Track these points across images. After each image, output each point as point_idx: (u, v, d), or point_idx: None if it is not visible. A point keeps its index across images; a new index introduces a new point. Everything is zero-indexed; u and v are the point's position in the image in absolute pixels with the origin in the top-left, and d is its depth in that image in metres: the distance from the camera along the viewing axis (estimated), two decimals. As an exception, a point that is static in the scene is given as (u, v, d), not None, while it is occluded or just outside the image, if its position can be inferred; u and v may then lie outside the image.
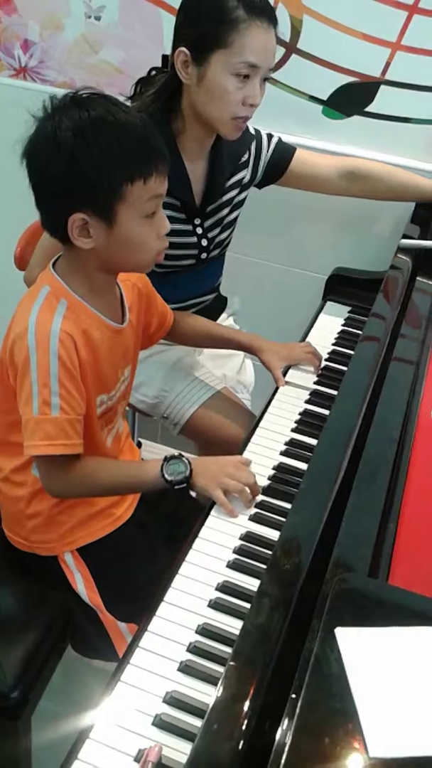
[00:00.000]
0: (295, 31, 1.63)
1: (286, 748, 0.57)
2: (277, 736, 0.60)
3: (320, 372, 1.41)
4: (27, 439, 1.03)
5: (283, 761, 0.57)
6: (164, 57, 1.45)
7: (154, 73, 1.42)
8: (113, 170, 0.94)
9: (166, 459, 1.07)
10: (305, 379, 1.38)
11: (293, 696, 0.62)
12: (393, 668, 0.63)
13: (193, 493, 1.11)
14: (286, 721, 0.61)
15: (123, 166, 0.95)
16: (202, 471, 1.06)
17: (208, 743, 0.65)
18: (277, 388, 1.34)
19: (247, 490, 1.05)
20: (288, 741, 0.58)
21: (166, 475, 1.05)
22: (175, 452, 1.09)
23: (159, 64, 1.45)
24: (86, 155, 0.93)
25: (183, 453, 1.08)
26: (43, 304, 1.03)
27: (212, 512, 1.04)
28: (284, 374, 1.37)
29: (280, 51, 1.62)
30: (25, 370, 1.02)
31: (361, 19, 1.58)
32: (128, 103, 1.40)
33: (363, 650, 0.63)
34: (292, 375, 1.38)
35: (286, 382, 1.35)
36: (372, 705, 0.59)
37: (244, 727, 0.66)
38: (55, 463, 1.06)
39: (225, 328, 1.44)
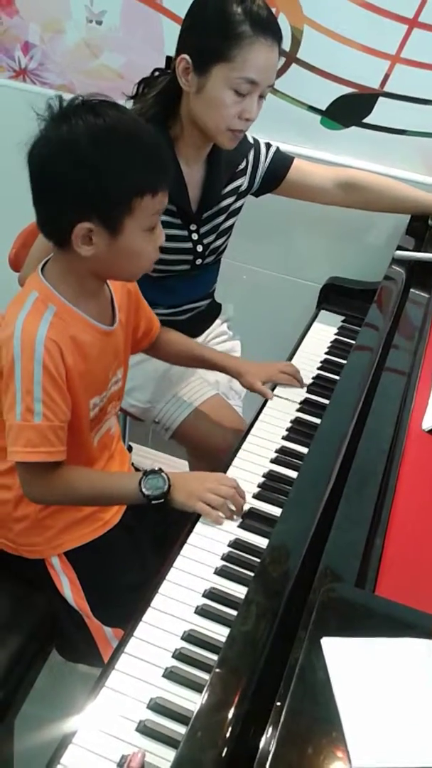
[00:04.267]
0: (296, 41, 1.64)
1: (270, 757, 0.57)
2: (261, 745, 0.60)
3: (312, 381, 1.41)
4: (10, 444, 1.03)
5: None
6: (168, 58, 1.45)
7: (157, 74, 1.42)
8: (127, 183, 0.95)
9: (145, 473, 1.06)
10: (296, 393, 1.37)
11: (278, 704, 0.62)
12: (378, 679, 0.63)
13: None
14: (270, 730, 0.61)
15: (136, 179, 0.95)
16: (182, 487, 1.06)
17: (192, 750, 0.65)
18: (266, 400, 1.34)
19: (229, 503, 1.05)
20: (272, 749, 0.58)
21: (143, 490, 1.05)
22: (155, 466, 1.08)
23: (159, 68, 1.45)
24: (103, 166, 0.93)
25: (162, 468, 1.07)
26: (30, 310, 1.02)
27: (201, 518, 1.04)
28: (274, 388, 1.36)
29: (281, 61, 1.62)
30: (9, 376, 1.01)
31: (361, 31, 1.59)
32: (130, 104, 1.41)
33: (348, 660, 0.64)
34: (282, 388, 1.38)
35: (276, 396, 1.34)
36: (356, 715, 0.59)
37: (228, 735, 0.66)
38: (35, 469, 1.05)
39: (208, 349, 1.43)
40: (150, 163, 0.96)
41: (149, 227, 1.00)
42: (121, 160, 0.93)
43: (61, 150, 0.94)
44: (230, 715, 0.68)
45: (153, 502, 1.05)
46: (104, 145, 0.93)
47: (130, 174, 0.94)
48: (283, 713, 0.60)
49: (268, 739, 0.60)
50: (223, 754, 0.64)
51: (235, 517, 1.05)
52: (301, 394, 1.35)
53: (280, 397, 1.35)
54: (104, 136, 0.93)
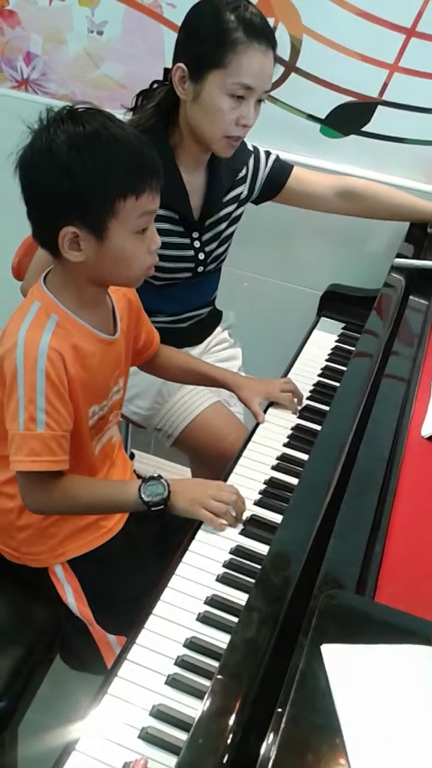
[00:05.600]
0: (295, 51, 1.66)
1: (270, 763, 0.58)
2: (262, 751, 0.61)
3: (312, 387, 1.42)
4: (12, 454, 1.03)
5: (266, 777, 0.57)
6: (166, 70, 1.47)
7: (155, 86, 1.43)
8: (106, 186, 0.95)
9: (145, 480, 1.06)
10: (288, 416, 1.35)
11: (278, 711, 0.62)
12: (378, 685, 0.64)
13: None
14: (270, 737, 0.62)
15: (115, 182, 0.95)
16: (183, 493, 1.06)
17: (194, 757, 0.65)
18: (268, 406, 1.35)
19: (231, 510, 1.06)
20: (272, 756, 0.58)
21: (143, 497, 1.05)
22: (156, 472, 1.08)
23: (160, 78, 1.47)
24: (80, 169, 0.94)
25: (162, 475, 1.07)
26: (33, 320, 1.03)
27: (202, 526, 1.05)
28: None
29: (280, 70, 1.64)
30: (12, 385, 1.02)
31: (360, 40, 1.61)
32: (129, 116, 1.42)
33: (348, 667, 0.64)
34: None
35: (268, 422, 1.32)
36: (356, 722, 0.59)
37: (229, 742, 0.67)
38: (36, 479, 1.05)
39: (207, 365, 1.43)
40: (131, 166, 0.96)
41: (138, 230, 1.00)
42: (100, 164, 0.94)
43: (41, 157, 0.95)
44: (232, 721, 0.68)
45: (153, 508, 1.05)
46: (82, 150, 0.94)
47: (110, 177, 0.95)
48: (284, 720, 0.60)
49: (268, 746, 0.61)
50: (225, 760, 0.65)
51: (236, 524, 1.06)
52: (293, 420, 1.33)
53: (273, 417, 1.33)
54: (83, 142, 0.94)
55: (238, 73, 1.26)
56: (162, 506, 1.05)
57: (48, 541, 1.19)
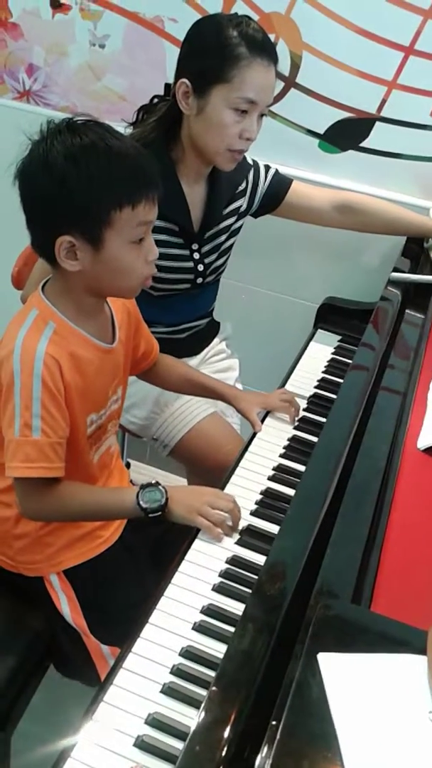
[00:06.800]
0: (295, 66, 1.68)
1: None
2: (258, 760, 0.61)
3: (309, 399, 1.43)
4: (8, 460, 1.04)
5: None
6: (167, 85, 1.49)
7: (156, 101, 1.45)
8: (101, 195, 0.96)
9: (143, 487, 1.07)
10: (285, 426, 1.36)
11: (273, 723, 0.63)
12: (373, 694, 0.64)
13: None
14: (266, 746, 0.62)
15: (111, 192, 0.96)
16: (180, 500, 1.06)
17: (190, 763, 0.66)
18: (265, 415, 1.36)
19: (228, 519, 1.06)
20: (268, 764, 0.59)
21: (141, 503, 1.05)
22: (152, 480, 1.08)
23: (161, 92, 1.48)
24: (75, 179, 0.95)
25: (159, 482, 1.07)
26: (30, 327, 1.04)
27: (199, 535, 1.05)
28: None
29: (280, 85, 1.66)
30: (9, 392, 1.02)
31: (359, 57, 1.63)
32: (130, 130, 1.44)
33: (344, 676, 0.65)
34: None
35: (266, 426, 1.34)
36: (352, 730, 0.60)
37: (225, 749, 0.67)
38: (32, 485, 1.06)
39: (204, 376, 1.43)
40: (127, 176, 0.97)
41: (134, 240, 1.01)
42: (95, 174, 0.95)
43: (38, 166, 0.97)
44: (228, 730, 0.69)
45: (150, 515, 1.05)
46: (78, 160, 0.95)
47: (106, 187, 0.96)
48: (280, 727, 0.60)
49: (265, 754, 0.61)
50: (222, 762, 0.65)
51: (233, 533, 1.06)
52: (289, 431, 1.34)
53: (270, 428, 1.34)
54: (79, 152, 0.95)
55: (241, 88, 1.28)
56: (159, 513, 1.05)
57: (44, 550, 1.19)
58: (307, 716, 0.62)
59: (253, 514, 1.11)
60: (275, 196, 1.59)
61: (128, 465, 1.95)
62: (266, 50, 1.29)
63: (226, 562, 1.02)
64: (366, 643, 0.70)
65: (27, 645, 1.17)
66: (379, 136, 1.70)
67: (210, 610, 0.94)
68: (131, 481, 1.39)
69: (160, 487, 1.07)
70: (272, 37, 1.56)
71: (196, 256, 1.50)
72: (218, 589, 0.97)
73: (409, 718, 0.63)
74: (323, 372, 1.55)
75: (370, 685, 0.65)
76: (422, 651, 0.68)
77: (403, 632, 0.72)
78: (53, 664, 1.27)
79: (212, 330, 1.74)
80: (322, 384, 1.50)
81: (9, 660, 1.14)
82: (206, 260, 1.52)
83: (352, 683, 0.64)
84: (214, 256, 1.54)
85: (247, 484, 1.18)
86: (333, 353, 1.63)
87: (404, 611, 0.77)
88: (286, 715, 0.61)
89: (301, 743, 0.60)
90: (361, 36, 1.60)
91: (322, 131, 1.73)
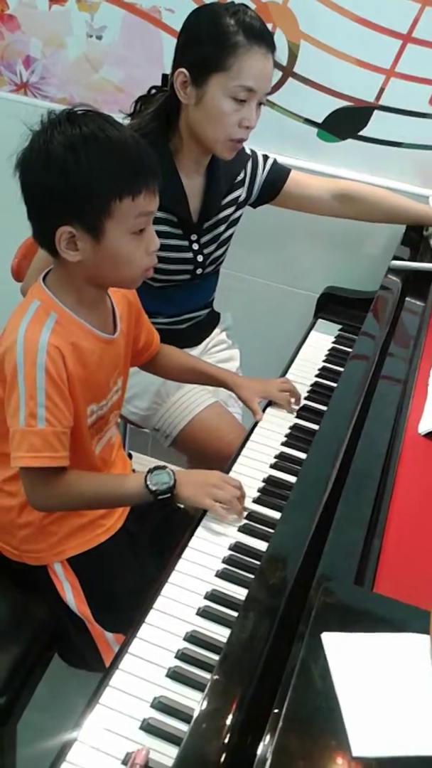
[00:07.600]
0: (292, 56, 1.68)
1: (273, 746, 0.59)
2: (263, 740, 0.62)
3: (310, 388, 1.43)
4: (13, 450, 1.04)
5: (269, 762, 0.58)
6: (164, 76, 1.49)
7: (154, 91, 1.45)
8: (101, 186, 0.96)
9: (150, 470, 1.07)
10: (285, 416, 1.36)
11: (275, 711, 0.63)
12: (377, 672, 0.65)
13: (180, 504, 1.12)
14: (270, 724, 0.63)
15: (111, 183, 0.97)
16: (188, 482, 1.07)
17: (196, 744, 0.66)
18: (266, 405, 1.36)
19: (236, 500, 1.07)
20: (275, 738, 0.59)
21: (150, 485, 1.06)
22: (160, 463, 1.09)
23: (158, 83, 1.48)
24: (75, 170, 0.95)
25: (167, 465, 1.08)
26: (32, 318, 1.04)
27: (202, 522, 1.06)
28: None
29: (277, 74, 1.66)
30: (12, 382, 1.03)
31: (356, 45, 1.63)
32: (128, 121, 1.44)
33: (348, 655, 0.65)
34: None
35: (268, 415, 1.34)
36: (356, 706, 0.61)
37: (231, 727, 0.68)
38: (38, 475, 1.06)
39: (206, 364, 1.44)
40: (128, 167, 0.98)
41: (135, 230, 1.01)
42: (95, 164, 0.95)
43: (38, 157, 0.97)
44: (233, 710, 0.69)
45: (159, 497, 1.06)
46: (78, 151, 0.95)
47: (106, 177, 0.96)
48: (285, 705, 0.61)
49: (268, 739, 0.62)
50: (227, 743, 0.66)
51: (237, 518, 1.07)
52: (291, 419, 1.34)
53: (271, 417, 1.34)
54: (79, 142, 0.95)
55: (240, 76, 1.28)
56: (168, 494, 1.06)
57: (48, 539, 1.20)
58: (312, 694, 0.62)
59: (256, 501, 1.12)
60: (274, 185, 1.59)
61: (130, 456, 1.95)
62: (264, 38, 1.29)
63: (230, 548, 1.02)
64: (369, 624, 0.71)
65: (31, 634, 1.18)
66: (377, 125, 1.70)
67: (213, 596, 0.94)
68: (134, 471, 1.40)
69: (168, 469, 1.08)
70: (270, 26, 1.56)
71: (196, 246, 1.51)
72: (222, 575, 0.98)
73: (413, 697, 0.64)
74: (324, 361, 1.55)
75: (374, 664, 0.65)
76: (425, 631, 0.69)
77: (405, 613, 0.72)
78: (58, 653, 1.27)
79: (212, 320, 1.75)
80: (323, 372, 1.50)
81: (14, 649, 1.15)
82: (205, 251, 1.53)
83: (356, 662, 0.65)
84: (213, 247, 1.54)
85: (250, 472, 1.18)
86: (333, 342, 1.63)
87: (406, 593, 0.77)
88: (290, 693, 0.62)
89: (305, 721, 0.61)
90: (359, 24, 1.60)
91: (320, 120, 1.73)
